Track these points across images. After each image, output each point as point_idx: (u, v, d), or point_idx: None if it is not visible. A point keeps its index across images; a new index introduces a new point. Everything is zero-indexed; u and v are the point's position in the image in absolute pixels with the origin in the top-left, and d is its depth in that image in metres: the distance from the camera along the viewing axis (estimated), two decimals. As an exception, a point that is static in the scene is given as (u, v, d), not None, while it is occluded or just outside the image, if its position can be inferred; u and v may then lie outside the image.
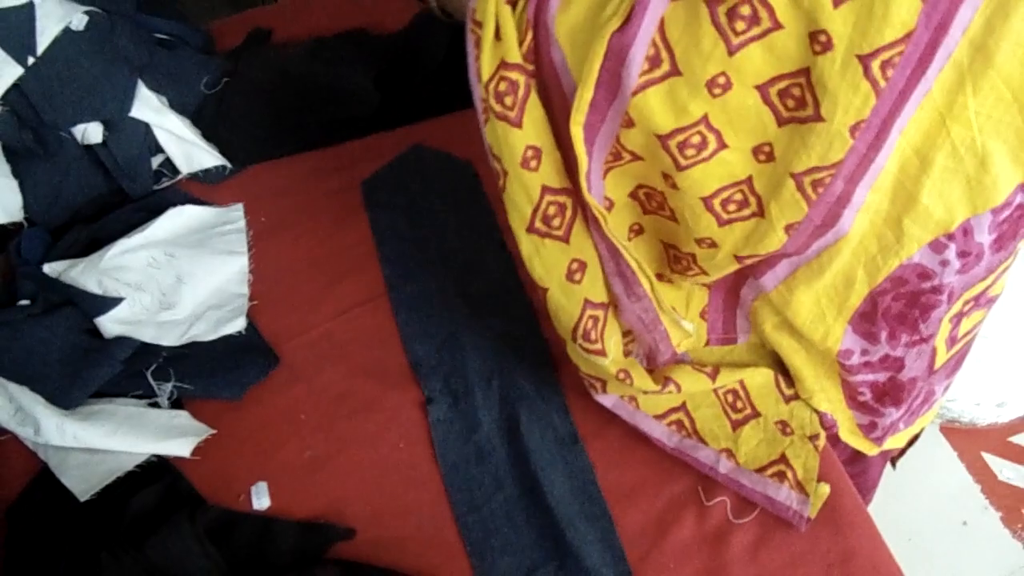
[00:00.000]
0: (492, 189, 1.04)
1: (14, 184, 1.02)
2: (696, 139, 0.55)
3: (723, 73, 0.52)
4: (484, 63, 0.58)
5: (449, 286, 0.95)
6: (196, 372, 0.88)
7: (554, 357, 0.89)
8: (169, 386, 0.87)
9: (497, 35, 0.57)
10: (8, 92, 0.99)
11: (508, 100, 0.58)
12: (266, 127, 1.12)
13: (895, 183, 0.62)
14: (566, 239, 0.65)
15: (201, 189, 1.08)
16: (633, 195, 0.65)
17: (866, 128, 0.53)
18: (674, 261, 0.69)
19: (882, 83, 0.50)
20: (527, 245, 0.66)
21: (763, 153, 0.56)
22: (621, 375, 0.76)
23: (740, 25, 0.50)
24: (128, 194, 1.05)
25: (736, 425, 0.81)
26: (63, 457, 0.82)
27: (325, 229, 1.03)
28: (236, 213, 1.04)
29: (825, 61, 0.50)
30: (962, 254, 0.66)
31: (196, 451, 0.83)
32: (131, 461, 0.81)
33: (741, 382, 0.81)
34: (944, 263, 0.66)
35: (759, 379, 0.81)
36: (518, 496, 0.80)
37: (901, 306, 0.70)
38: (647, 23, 0.51)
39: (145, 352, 0.89)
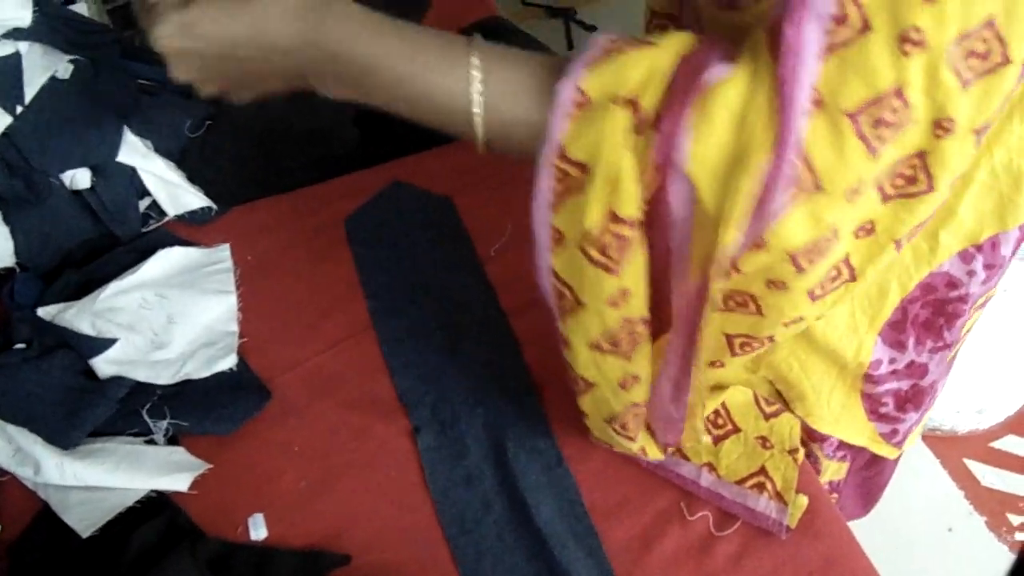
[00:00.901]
0: (470, 222, 1.07)
1: (5, 230, 1.03)
2: (824, 245, 0.54)
3: (861, 179, 0.51)
4: (592, 210, 0.54)
5: (432, 318, 0.97)
6: (190, 409, 0.89)
7: (536, 384, 0.91)
8: (164, 423, 0.88)
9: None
10: (-2, 141, 1.01)
11: (613, 253, 0.55)
12: (249, 168, 1.14)
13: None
14: (628, 358, 0.63)
15: (188, 230, 1.09)
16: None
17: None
18: (741, 347, 0.66)
19: (982, 144, 0.52)
20: (584, 355, 0.64)
21: (864, 231, 0.55)
22: (641, 452, 0.78)
23: (884, 132, 0.49)
24: (117, 237, 1.07)
25: (717, 440, 0.83)
26: (64, 495, 0.83)
27: (310, 266, 1.05)
28: (223, 253, 1.05)
29: (946, 143, 0.50)
30: (988, 266, 0.69)
31: (194, 485, 0.84)
32: (131, 497, 0.83)
33: (723, 403, 0.83)
34: (971, 273, 0.69)
35: (739, 397, 0.83)
36: (507, 518, 0.81)
37: (928, 314, 0.73)
38: (791, 148, 0.50)
39: (140, 391, 0.90)
